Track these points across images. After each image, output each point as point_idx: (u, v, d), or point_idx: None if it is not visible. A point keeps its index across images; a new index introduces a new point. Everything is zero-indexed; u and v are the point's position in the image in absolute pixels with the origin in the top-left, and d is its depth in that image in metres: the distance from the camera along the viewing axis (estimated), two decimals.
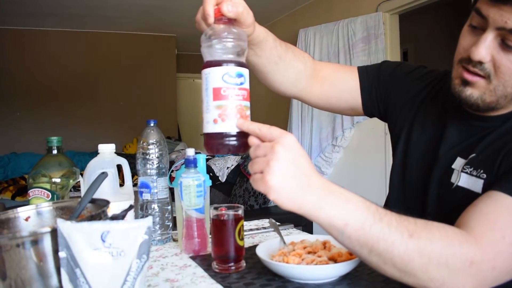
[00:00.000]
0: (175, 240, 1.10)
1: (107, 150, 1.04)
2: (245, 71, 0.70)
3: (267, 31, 0.87)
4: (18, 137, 5.02)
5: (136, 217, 1.07)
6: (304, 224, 2.46)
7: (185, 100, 7.08)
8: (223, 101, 0.68)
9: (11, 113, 5.03)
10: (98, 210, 0.71)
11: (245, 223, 1.30)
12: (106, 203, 0.78)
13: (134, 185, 1.10)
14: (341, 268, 0.76)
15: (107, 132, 5.26)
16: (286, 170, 0.64)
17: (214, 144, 0.70)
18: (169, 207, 1.10)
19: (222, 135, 0.69)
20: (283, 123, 4.25)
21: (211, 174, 3.27)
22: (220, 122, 0.68)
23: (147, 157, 1.07)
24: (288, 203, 0.64)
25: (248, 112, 0.71)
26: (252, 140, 0.70)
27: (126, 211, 0.74)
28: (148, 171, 1.07)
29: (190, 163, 0.95)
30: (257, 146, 0.68)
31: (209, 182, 1.05)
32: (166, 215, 1.09)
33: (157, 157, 1.07)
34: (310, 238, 0.93)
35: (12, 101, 5.02)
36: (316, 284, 0.76)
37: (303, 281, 0.77)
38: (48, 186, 0.94)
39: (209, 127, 0.70)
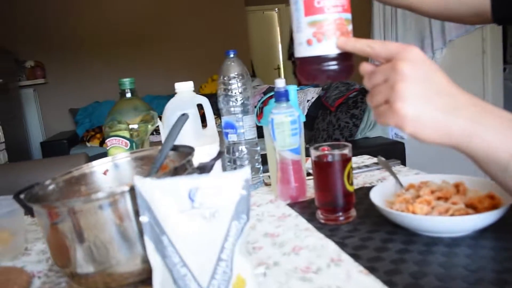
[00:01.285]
0: (267, 185, 0.98)
1: (185, 88, 0.92)
2: None
3: None
4: (99, 86, 5.15)
5: (223, 160, 0.96)
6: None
7: (256, 35, 6.85)
8: (317, 16, 0.54)
9: (89, 64, 5.14)
10: (182, 160, 0.60)
11: None
12: (190, 150, 0.66)
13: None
14: (486, 219, 0.59)
15: (180, 73, 5.23)
16: (420, 91, 0.49)
17: (310, 70, 0.56)
18: (258, 148, 0.98)
19: (319, 59, 0.55)
20: None
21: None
22: (315, 43, 0.54)
23: (230, 93, 0.93)
24: (432, 133, 0.49)
25: (350, 27, 0.56)
26: (364, 66, 0.54)
27: (215, 159, 0.61)
28: (232, 109, 0.94)
29: (281, 96, 0.80)
30: (372, 72, 0.53)
31: (303, 118, 0.90)
32: (255, 157, 0.97)
33: (241, 93, 0.93)
34: (432, 178, 0.76)
35: (88, 52, 5.11)
36: (452, 238, 0.61)
37: (436, 234, 0.61)
38: (125, 133, 0.85)
39: (302, 50, 0.55)
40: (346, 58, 0.56)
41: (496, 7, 0.80)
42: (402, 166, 1.05)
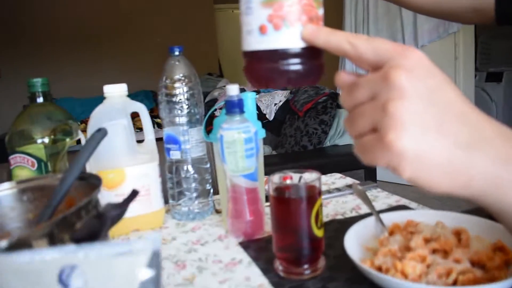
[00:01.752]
0: (218, 212, 0.80)
1: (116, 92, 0.73)
2: None
3: None
4: (56, 83, 4.84)
5: (164, 183, 0.78)
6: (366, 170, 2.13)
7: (225, 33, 6.66)
8: None
9: (47, 59, 4.84)
10: (80, 202, 0.41)
11: None
12: (96, 183, 0.48)
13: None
14: None
15: (140, 73, 4.99)
16: (425, 116, 0.33)
17: (262, 70, 0.40)
18: (208, 165, 0.80)
19: (276, 55, 0.39)
20: None
21: (257, 112, 2.96)
22: (271, 31, 0.38)
23: (173, 99, 0.75)
24: (442, 180, 0.33)
25: (321, 12, 0.40)
26: (341, 77, 0.38)
27: (128, 200, 0.43)
28: (176, 119, 0.76)
29: (233, 107, 0.63)
30: (354, 85, 0.36)
31: (263, 133, 0.73)
32: (205, 177, 0.79)
33: (187, 99, 0.75)
34: (422, 216, 0.60)
35: (46, 46, 4.81)
36: None
37: None
38: (34, 149, 0.66)
39: (253, 41, 0.40)
40: (314, 55, 0.40)
41: (502, 3, 0.65)
42: (379, 190, 0.89)
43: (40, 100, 0.67)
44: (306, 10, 0.38)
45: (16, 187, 0.50)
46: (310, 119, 2.41)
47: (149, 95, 4.57)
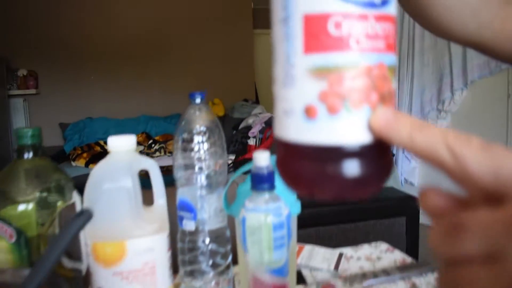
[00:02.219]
0: None
1: (121, 147, 0.60)
2: None
3: None
4: (93, 102, 4.88)
5: (174, 258, 0.64)
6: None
7: (263, 58, 6.60)
8: (333, 56, 0.24)
9: (85, 78, 4.87)
10: None
11: (345, 250, 0.84)
12: None
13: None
14: None
15: (179, 95, 4.95)
16: None
17: (305, 172, 0.26)
18: (229, 246, 0.66)
19: (329, 152, 0.25)
20: None
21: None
22: (324, 116, 0.25)
23: (191, 155, 0.62)
24: None
25: (394, 84, 0.27)
26: (432, 198, 0.25)
27: None
28: (193, 180, 0.63)
29: (260, 183, 0.49)
30: (457, 224, 0.22)
31: (298, 207, 0.58)
32: (226, 250, 0.65)
33: (208, 158, 0.62)
34: None
35: (85, 65, 4.85)
36: None
37: None
38: (15, 216, 0.54)
39: (294, 128, 0.26)
40: (383, 153, 0.26)
41: None
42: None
43: (28, 155, 0.56)
44: (378, 84, 0.25)
45: None
46: None
47: None
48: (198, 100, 0.63)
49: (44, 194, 0.55)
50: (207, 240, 0.63)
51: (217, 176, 0.63)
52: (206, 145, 0.62)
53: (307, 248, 0.83)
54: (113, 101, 4.87)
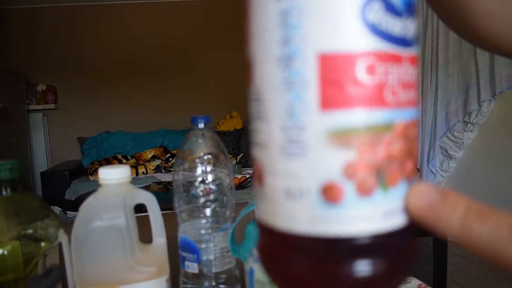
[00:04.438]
0: None
1: (113, 180, 0.53)
2: None
3: None
4: (111, 116, 4.88)
5: None
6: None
7: None
8: (365, 112, 0.17)
9: (103, 92, 4.89)
10: None
11: None
12: None
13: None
14: None
15: (198, 108, 4.92)
16: None
17: (311, 273, 0.18)
18: (238, 286, 0.58)
19: (352, 248, 0.17)
20: None
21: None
22: (352, 199, 0.17)
23: (193, 188, 0.55)
24: None
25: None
26: None
27: None
28: (195, 216, 0.55)
29: None
30: None
31: None
32: None
33: (213, 191, 0.55)
34: None
35: (104, 80, 4.86)
36: None
37: None
38: None
39: (300, 216, 0.17)
40: (410, 238, 0.19)
41: None
42: None
43: (6, 191, 0.49)
44: (413, 149, 0.18)
45: None
46: None
47: None
48: (201, 125, 0.56)
49: (25, 234, 0.48)
50: (213, 283, 0.55)
51: (224, 210, 0.55)
52: (211, 176, 0.54)
53: None
54: (131, 115, 4.86)
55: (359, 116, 0.17)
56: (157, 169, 4.12)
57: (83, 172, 4.14)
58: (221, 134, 4.35)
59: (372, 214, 0.17)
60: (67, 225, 0.55)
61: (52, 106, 4.72)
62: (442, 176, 3.14)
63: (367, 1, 0.17)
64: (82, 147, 4.50)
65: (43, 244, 0.51)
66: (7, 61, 4.46)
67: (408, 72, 0.18)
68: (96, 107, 4.89)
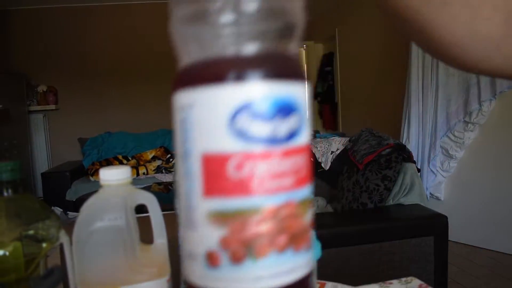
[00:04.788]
0: None
1: (114, 181, 0.53)
2: (299, 91, 0.23)
3: None
4: (112, 117, 4.88)
5: None
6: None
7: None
8: (235, 199, 0.22)
9: (103, 93, 4.89)
10: None
11: None
12: None
13: None
14: None
15: None
16: None
17: None
18: None
19: None
20: (396, 94, 3.52)
21: (311, 159, 2.73)
22: (227, 265, 0.23)
23: None
24: None
25: (308, 217, 0.24)
26: None
27: None
28: None
29: None
30: None
31: (318, 252, 0.50)
32: None
33: None
34: None
35: (104, 81, 4.87)
36: None
37: None
38: None
39: (196, 274, 0.24)
40: None
41: None
42: None
43: (8, 192, 0.49)
44: (287, 225, 0.22)
45: None
46: (371, 173, 2.14)
47: None
48: None
49: (27, 235, 0.49)
50: None
51: None
52: None
53: (329, 285, 0.74)
54: (131, 116, 4.87)
55: (231, 203, 0.21)
56: (158, 169, 4.12)
57: (83, 173, 4.15)
58: None
59: (243, 279, 0.22)
60: (68, 226, 0.55)
61: (52, 107, 4.73)
62: (443, 176, 3.14)
63: (235, 113, 0.21)
64: (83, 148, 4.51)
65: (44, 245, 0.51)
66: (8, 62, 4.46)
67: (278, 164, 0.22)
68: (97, 108, 4.89)
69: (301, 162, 0.23)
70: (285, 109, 0.22)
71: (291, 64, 0.23)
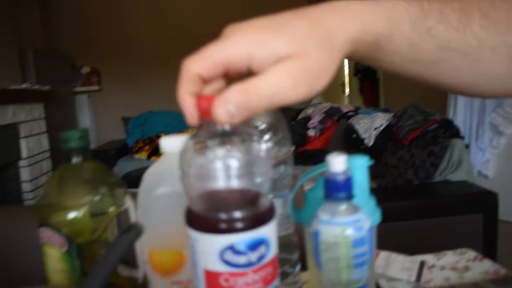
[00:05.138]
0: None
1: (175, 148, 0.55)
2: (267, 229, 0.36)
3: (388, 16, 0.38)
4: (154, 96, 4.97)
5: None
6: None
7: None
8: None
9: (145, 73, 4.98)
10: None
11: (426, 258, 0.75)
12: None
13: None
14: None
15: None
16: None
17: None
18: (297, 253, 0.59)
19: None
20: None
21: (354, 135, 2.69)
22: None
23: None
24: None
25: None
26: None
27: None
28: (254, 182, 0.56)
29: (336, 191, 0.41)
30: None
31: (378, 217, 0.50)
32: (293, 258, 0.58)
33: (270, 157, 0.55)
34: None
35: (146, 61, 4.95)
36: None
37: None
38: (65, 224, 0.49)
39: None
40: None
41: None
42: None
43: (76, 159, 0.51)
44: None
45: None
46: (417, 149, 2.10)
47: None
48: None
49: (96, 200, 0.51)
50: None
51: (283, 177, 0.56)
52: (268, 143, 0.55)
53: (383, 255, 0.74)
54: (173, 95, 4.92)
55: None
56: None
57: (128, 151, 4.26)
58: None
59: None
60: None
61: (96, 87, 4.86)
62: (492, 153, 3.03)
63: (222, 251, 0.34)
64: (126, 127, 4.62)
65: (111, 209, 0.53)
66: (53, 45, 4.60)
67: (251, 277, 0.34)
68: (139, 87, 4.99)
69: (267, 271, 0.36)
70: (255, 245, 0.34)
71: (260, 216, 0.35)
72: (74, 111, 4.71)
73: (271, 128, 0.56)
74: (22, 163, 2.96)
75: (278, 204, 0.55)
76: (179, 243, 0.54)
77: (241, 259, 0.34)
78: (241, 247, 0.34)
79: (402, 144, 2.21)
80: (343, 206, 0.41)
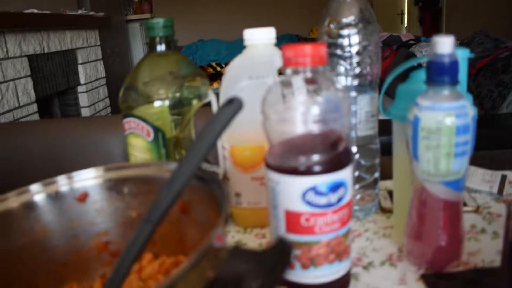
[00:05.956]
0: (385, 211, 0.59)
1: (259, 40, 0.53)
2: (345, 173, 0.37)
3: None
4: (205, 24, 4.92)
5: None
6: None
7: None
8: (305, 237, 0.38)
9: (196, 1, 4.89)
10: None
11: (508, 173, 0.72)
12: (221, 194, 0.30)
13: None
14: None
15: (291, 15, 4.76)
16: None
17: None
18: (378, 146, 0.58)
19: None
20: None
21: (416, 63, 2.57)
22: (299, 269, 0.39)
23: (338, 52, 0.53)
24: None
25: (349, 240, 0.41)
26: None
27: None
28: (340, 80, 0.54)
29: (441, 74, 0.38)
30: None
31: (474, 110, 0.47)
32: (374, 162, 0.57)
33: (359, 53, 0.53)
34: None
35: None
36: None
37: None
38: (151, 114, 0.50)
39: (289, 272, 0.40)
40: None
41: None
42: None
43: (161, 48, 0.51)
44: (335, 249, 0.38)
45: (112, 175, 0.35)
46: (484, 78, 1.98)
47: (294, 39, 4.37)
48: None
49: (179, 93, 0.51)
50: (354, 149, 0.55)
51: (369, 75, 0.54)
52: (357, 38, 0.52)
53: None
54: (224, 23, 4.86)
55: (302, 238, 0.37)
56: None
57: None
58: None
59: (310, 277, 0.39)
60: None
61: (148, 15, 4.85)
62: None
63: (305, 192, 0.36)
64: None
65: (194, 102, 0.53)
66: None
67: (331, 217, 0.37)
68: (190, 16, 4.94)
69: (344, 212, 0.38)
70: (335, 187, 0.36)
71: (340, 159, 0.37)
72: (126, 39, 4.75)
73: (361, 23, 0.53)
74: (80, 88, 3.06)
75: (365, 102, 0.54)
76: (261, 138, 0.54)
77: (322, 200, 0.36)
78: (323, 188, 0.36)
79: (469, 73, 2.09)
80: (445, 92, 0.38)
